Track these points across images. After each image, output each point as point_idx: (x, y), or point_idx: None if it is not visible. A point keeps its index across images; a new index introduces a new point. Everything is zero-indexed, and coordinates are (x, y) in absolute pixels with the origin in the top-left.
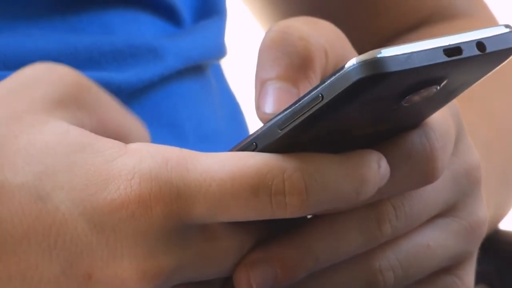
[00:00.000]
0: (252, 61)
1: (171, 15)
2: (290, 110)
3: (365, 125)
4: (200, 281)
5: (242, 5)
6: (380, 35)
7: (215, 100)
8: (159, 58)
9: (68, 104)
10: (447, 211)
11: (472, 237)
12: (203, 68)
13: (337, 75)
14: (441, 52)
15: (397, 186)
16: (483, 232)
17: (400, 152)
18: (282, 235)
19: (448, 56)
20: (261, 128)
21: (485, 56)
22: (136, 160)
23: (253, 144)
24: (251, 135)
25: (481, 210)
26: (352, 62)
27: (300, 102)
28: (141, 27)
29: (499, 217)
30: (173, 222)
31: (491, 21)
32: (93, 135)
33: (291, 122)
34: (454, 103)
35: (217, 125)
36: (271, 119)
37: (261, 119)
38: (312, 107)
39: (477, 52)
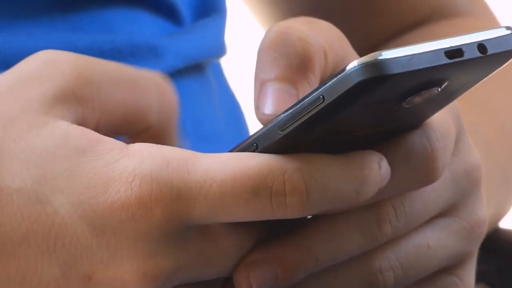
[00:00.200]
0: (252, 60)
1: (171, 14)
2: (291, 111)
3: (366, 126)
4: (200, 282)
5: (242, 4)
6: (380, 34)
7: (215, 99)
8: (159, 57)
9: (67, 100)
10: (447, 211)
11: (472, 237)
12: (202, 67)
13: (338, 77)
14: (442, 54)
15: (397, 186)
16: (483, 232)
17: (400, 153)
18: (282, 235)
19: (450, 58)
20: (261, 129)
21: (486, 58)
22: (137, 161)
23: (254, 144)
24: (252, 135)
25: (481, 210)
26: (354, 64)
27: (301, 103)
28: (141, 26)
29: (500, 216)
30: (174, 223)
31: (491, 20)
32: (93, 135)
33: (292, 123)
34: (455, 103)
35: (217, 125)
36: (272, 120)
37: (260, 120)
38: (313, 108)
39: (478, 54)
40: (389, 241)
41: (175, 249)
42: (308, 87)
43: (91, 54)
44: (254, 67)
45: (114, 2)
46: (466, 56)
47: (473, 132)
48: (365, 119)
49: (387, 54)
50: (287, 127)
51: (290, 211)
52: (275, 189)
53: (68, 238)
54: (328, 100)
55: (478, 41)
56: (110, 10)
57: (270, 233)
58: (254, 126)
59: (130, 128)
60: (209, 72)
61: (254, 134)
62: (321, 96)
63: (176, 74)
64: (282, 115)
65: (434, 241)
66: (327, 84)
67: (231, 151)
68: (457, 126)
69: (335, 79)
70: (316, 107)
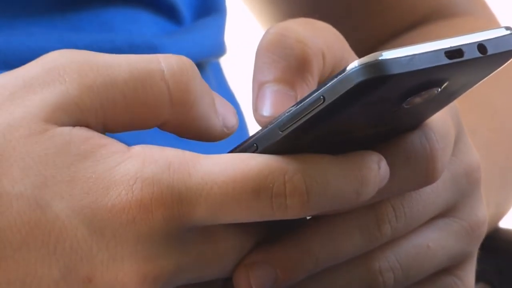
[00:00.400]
0: (251, 61)
1: (171, 13)
2: (291, 112)
3: (366, 127)
4: (200, 283)
5: (241, 4)
6: (379, 34)
7: None
8: None
9: (68, 108)
10: (447, 211)
11: (472, 238)
12: (202, 66)
13: (338, 77)
14: (442, 54)
15: (397, 186)
16: (483, 232)
17: (400, 153)
18: (282, 236)
19: (450, 58)
20: (262, 129)
21: (486, 58)
22: (139, 164)
23: (254, 145)
24: (252, 136)
25: (481, 211)
26: (354, 64)
27: (302, 104)
28: (141, 25)
29: (499, 216)
30: (174, 225)
31: (491, 20)
32: (96, 139)
33: (292, 124)
34: (454, 103)
35: None
36: (272, 121)
37: (258, 122)
38: (314, 109)
39: (478, 55)
40: (389, 241)
41: (175, 251)
42: (306, 89)
43: None
44: (252, 68)
45: (114, 1)
46: (466, 57)
47: (472, 132)
48: (365, 119)
49: (388, 54)
50: (287, 128)
51: (290, 212)
52: (275, 190)
53: (68, 241)
54: (329, 101)
55: (478, 42)
56: (110, 10)
57: (270, 234)
58: (253, 126)
59: (142, 124)
60: (209, 72)
61: (254, 134)
62: (321, 97)
63: None
64: (283, 116)
65: (434, 242)
66: (328, 85)
67: (231, 151)
68: (456, 126)
69: (335, 79)
70: (316, 107)
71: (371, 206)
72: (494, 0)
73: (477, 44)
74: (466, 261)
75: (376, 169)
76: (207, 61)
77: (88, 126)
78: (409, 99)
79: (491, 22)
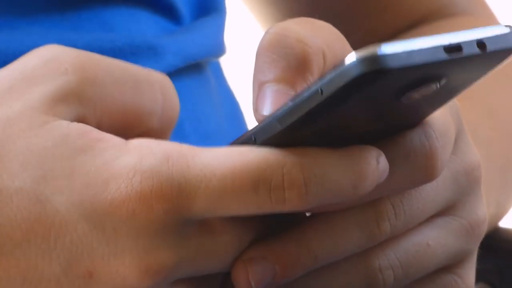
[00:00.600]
0: (251, 61)
1: (170, 13)
2: (290, 104)
3: (365, 122)
4: (200, 277)
5: (241, 4)
6: (380, 33)
7: (214, 99)
8: (159, 56)
9: (68, 100)
10: (447, 210)
11: (472, 236)
12: (202, 66)
13: (336, 70)
14: (441, 49)
15: (396, 184)
16: (483, 231)
17: (399, 150)
18: (281, 232)
19: (448, 54)
20: (261, 122)
21: (485, 55)
22: (138, 157)
23: (252, 138)
24: (251, 129)
25: (481, 209)
26: (352, 58)
27: (300, 97)
28: (141, 24)
29: (500, 215)
30: (174, 218)
31: (491, 20)
32: (94, 133)
33: (291, 117)
34: (455, 101)
35: (217, 124)
36: (271, 114)
37: (259, 122)
38: (312, 102)
39: (477, 51)
40: (388, 239)
41: (175, 244)
42: None
43: None
44: (252, 68)
45: (113, 1)
46: (465, 53)
47: (472, 131)
48: (364, 114)
49: (386, 48)
50: (285, 121)
51: (289, 205)
52: (274, 183)
53: (68, 236)
54: (326, 94)
55: (478, 38)
56: (109, 9)
57: (269, 230)
58: (254, 125)
59: (130, 131)
60: (209, 72)
61: (253, 128)
62: (319, 90)
63: (175, 73)
64: (281, 109)
65: (434, 240)
66: (326, 78)
67: (230, 144)
68: (456, 124)
69: (333, 72)
70: (314, 101)
71: (371, 204)
72: (494, 0)
73: (476, 40)
74: (466, 259)
75: (375, 163)
76: (207, 60)
77: (85, 121)
78: (407, 94)
79: (491, 21)
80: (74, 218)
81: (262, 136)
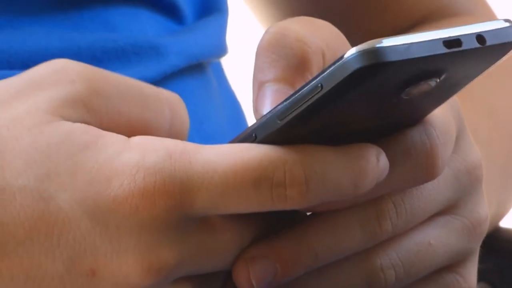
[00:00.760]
0: (252, 61)
1: (172, 12)
2: (289, 100)
3: (365, 118)
4: (203, 276)
5: (242, 4)
6: (380, 33)
7: (216, 99)
8: (161, 56)
9: (75, 106)
10: (448, 209)
11: (473, 235)
12: (204, 66)
13: (336, 64)
14: (440, 43)
15: (397, 182)
16: (485, 230)
17: (400, 148)
18: (282, 230)
19: (448, 47)
20: (261, 118)
21: (484, 50)
22: (140, 154)
23: (253, 135)
24: (251, 126)
25: (482, 208)
26: (352, 51)
27: (300, 92)
28: (143, 24)
29: (500, 215)
30: (176, 214)
31: (491, 19)
32: (96, 131)
33: (291, 113)
34: (456, 100)
35: (218, 124)
36: (271, 110)
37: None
38: (312, 97)
39: (476, 45)
40: (390, 238)
41: (177, 241)
42: None
43: (94, 53)
44: (253, 68)
45: (115, 0)
46: (464, 46)
47: (473, 131)
48: (364, 110)
49: (386, 41)
50: (285, 117)
51: (290, 202)
52: (275, 180)
53: (71, 234)
54: (326, 89)
55: (477, 32)
56: (111, 9)
57: (270, 228)
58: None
59: None
60: (210, 72)
61: (254, 124)
62: (319, 85)
63: (178, 74)
64: (281, 105)
65: (436, 239)
66: (325, 73)
67: (231, 142)
68: (457, 123)
69: (333, 67)
70: (314, 95)
71: (372, 202)
72: (494, 0)
73: (476, 34)
74: (467, 258)
75: (375, 161)
76: (208, 61)
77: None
78: (407, 89)
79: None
80: (77, 215)
81: (262, 133)
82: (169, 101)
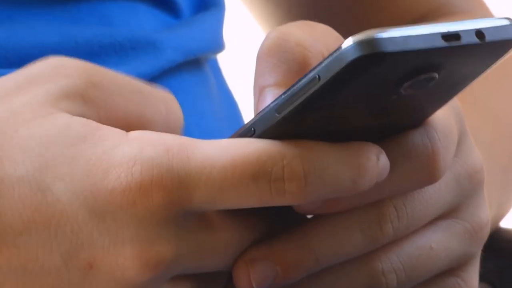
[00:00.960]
0: (248, 58)
1: (169, 7)
2: (287, 93)
3: (365, 115)
4: (205, 276)
5: (238, 2)
6: None
7: (214, 96)
8: (158, 51)
9: (73, 99)
10: (450, 213)
11: (475, 239)
12: (201, 62)
13: (333, 55)
14: (439, 37)
15: (397, 184)
16: (486, 234)
17: (401, 150)
18: (283, 233)
19: (446, 41)
20: (259, 113)
21: (484, 46)
22: (137, 148)
23: (252, 129)
24: (250, 120)
25: (484, 212)
26: (349, 41)
27: (298, 84)
28: (140, 18)
29: (501, 216)
30: (174, 209)
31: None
32: (94, 124)
33: (289, 105)
34: (457, 103)
35: (217, 121)
36: (269, 104)
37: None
38: (309, 89)
39: (476, 41)
40: (391, 242)
41: (175, 237)
42: None
43: (91, 48)
44: (252, 65)
45: None
46: (463, 41)
47: (474, 131)
48: (363, 105)
49: (383, 32)
50: (284, 110)
51: (289, 197)
52: (274, 175)
53: (69, 225)
54: (324, 80)
55: (477, 28)
56: (109, 2)
57: (270, 231)
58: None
59: None
60: (208, 69)
61: (253, 118)
62: (316, 76)
63: (175, 69)
64: (279, 98)
65: (437, 243)
66: (323, 64)
67: (230, 137)
68: (459, 127)
69: (330, 57)
70: (312, 87)
71: (373, 206)
72: (494, 0)
73: (475, 30)
74: (469, 262)
75: (374, 159)
76: (205, 57)
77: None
78: (406, 84)
79: None
80: (75, 207)
81: (261, 127)
82: (164, 99)
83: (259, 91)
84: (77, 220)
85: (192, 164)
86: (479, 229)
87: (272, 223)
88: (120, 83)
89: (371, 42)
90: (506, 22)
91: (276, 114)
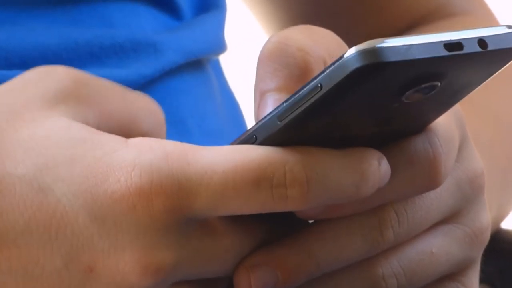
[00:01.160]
0: (251, 60)
1: (170, 8)
2: (289, 101)
3: (367, 123)
4: (205, 282)
5: (239, 3)
6: (378, 33)
7: (216, 97)
8: (159, 53)
9: (68, 100)
10: (451, 218)
11: (475, 244)
12: (203, 63)
13: (336, 64)
14: (441, 46)
15: (399, 190)
16: (486, 238)
17: (402, 156)
18: (284, 239)
19: (449, 50)
20: (261, 120)
21: (486, 55)
22: (136, 153)
23: (254, 136)
24: (251, 127)
25: (484, 217)
26: (351, 51)
27: (300, 92)
28: (141, 20)
29: (501, 217)
30: (175, 215)
31: (490, 20)
32: (94, 130)
33: (291, 113)
34: (459, 109)
35: (219, 122)
36: (271, 111)
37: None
38: (311, 97)
39: (478, 49)
40: (392, 247)
41: (176, 243)
42: None
43: (91, 50)
44: (253, 66)
45: None
46: (465, 50)
47: (475, 134)
48: (365, 113)
49: (386, 42)
50: (286, 117)
51: (291, 203)
52: (276, 181)
53: (69, 227)
54: (326, 88)
55: (479, 37)
56: (110, 4)
57: (271, 237)
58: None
59: (126, 135)
60: (210, 69)
61: (254, 125)
62: (319, 85)
63: (176, 70)
64: (281, 105)
65: (438, 248)
66: (325, 72)
67: (232, 143)
68: (461, 132)
69: (332, 66)
70: (314, 95)
71: (374, 211)
72: (494, 0)
73: (477, 39)
74: (469, 267)
75: (376, 165)
76: (207, 58)
77: (86, 121)
78: (408, 92)
79: (490, 21)
80: (75, 208)
81: (263, 134)
82: (144, 99)
83: (260, 96)
84: (78, 222)
85: (192, 170)
86: (479, 233)
87: (272, 228)
88: (105, 82)
89: (374, 52)
90: (509, 30)
91: (278, 122)
